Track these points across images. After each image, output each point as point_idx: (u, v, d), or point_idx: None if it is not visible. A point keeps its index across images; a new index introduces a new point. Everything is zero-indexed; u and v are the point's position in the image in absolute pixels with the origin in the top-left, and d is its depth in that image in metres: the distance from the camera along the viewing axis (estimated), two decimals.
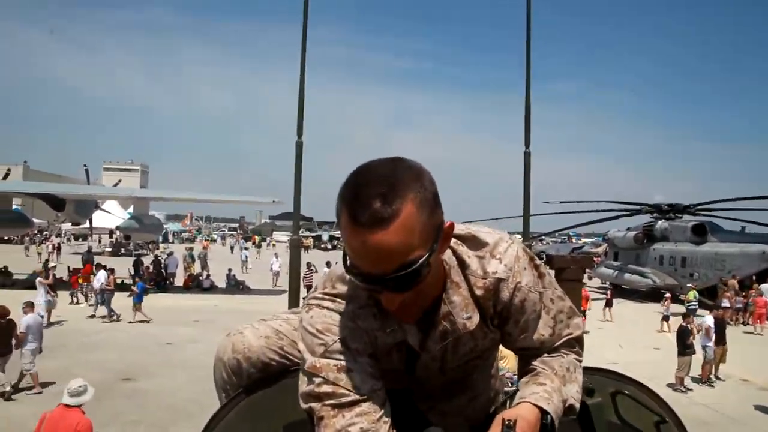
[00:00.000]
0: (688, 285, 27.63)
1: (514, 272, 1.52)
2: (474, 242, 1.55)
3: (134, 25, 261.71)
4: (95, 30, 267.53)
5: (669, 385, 12.88)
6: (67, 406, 6.46)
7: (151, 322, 17.94)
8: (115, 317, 18.79)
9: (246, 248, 45.68)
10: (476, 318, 1.54)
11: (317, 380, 1.41)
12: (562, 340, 1.61)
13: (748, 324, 22.53)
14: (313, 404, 1.41)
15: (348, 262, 1.34)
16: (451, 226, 1.41)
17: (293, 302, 5.50)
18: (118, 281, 21.84)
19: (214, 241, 79.66)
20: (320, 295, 1.53)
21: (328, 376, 1.40)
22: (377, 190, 1.23)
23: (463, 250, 1.54)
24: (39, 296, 16.86)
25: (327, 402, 1.39)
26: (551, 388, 1.50)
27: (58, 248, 42.61)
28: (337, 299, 1.51)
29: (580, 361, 1.66)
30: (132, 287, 19.67)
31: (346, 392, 1.39)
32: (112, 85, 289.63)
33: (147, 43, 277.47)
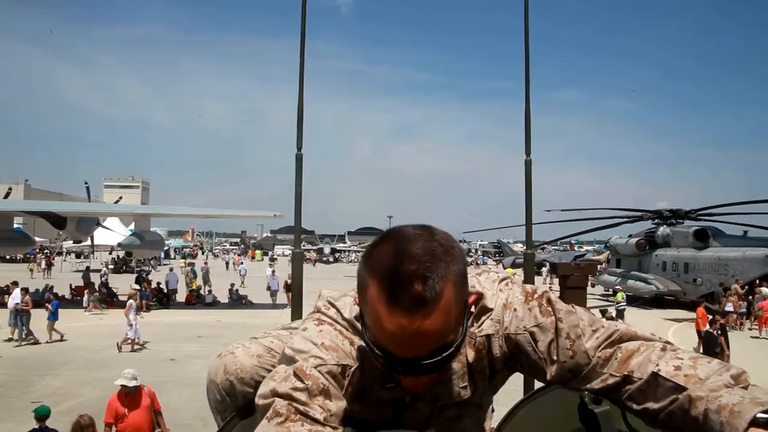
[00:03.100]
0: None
1: (503, 322, 1.43)
2: (479, 305, 1.45)
3: (134, 41, 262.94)
4: (95, 46, 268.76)
5: None
6: (126, 387, 8.00)
7: (154, 339, 17.83)
8: (32, 340, 17.35)
9: (241, 263, 45.67)
10: (470, 390, 1.48)
11: (298, 384, 1.28)
12: (595, 355, 1.37)
13: (753, 328, 22.43)
14: (278, 400, 1.27)
15: (370, 340, 1.25)
16: (475, 299, 1.37)
17: (296, 315, 5.44)
18: (123, 298, 21.75)
19: (216, 256, 79.58)
20: (335, 316, 1.45)
21: (311, 388, 1.28)
22: (417, 268, 1.15)
23: (472, 311, 1.43)
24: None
25: (295, 405, 1.26)
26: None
27: (49, 266, 42.60)
28: (351, 330, 1.43)
29: (663, 344, 1.37)
30: (47, 305, 18.19)
31: (319, 411, 1.26)
32: (112, 102, 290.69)
33: (147, 59, 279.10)
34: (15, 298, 18.09)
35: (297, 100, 5.81)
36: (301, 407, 1.26)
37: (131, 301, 17.55)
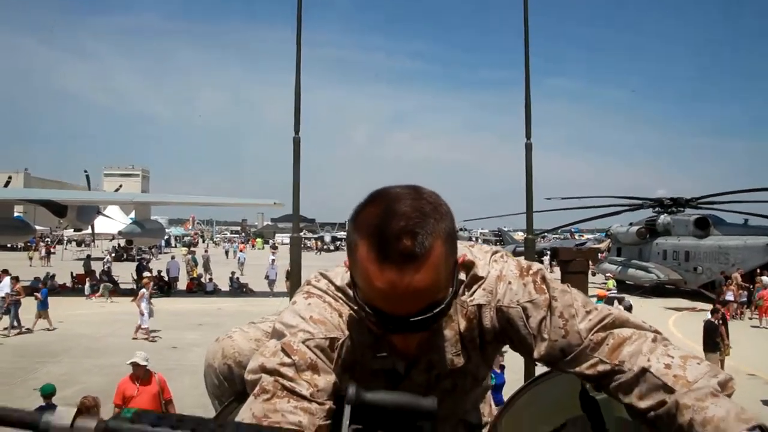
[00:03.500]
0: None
1: (495, 293, 1.43)
2: (470, 274, 1.46)
3: (131, 31, 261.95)
4: (93, 36, 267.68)
5: None
6: (138, 365, 8.29)
7: (156, 327, 17.86)
8: (23, 329, 17.13)
9: (228, 250, 45.33)
10: (464, 356, 1.48)
11: (285, 359, 1.27)
12: (588, 337, 1.35)
13: (753, 317, 22.45)
14: (264, 376, 1.27)
15: (360, 299, 1.26)
16: (464, 259, 1.36)
17: None
18: (126, 287, 21.72)
19: (217, 244, 79.61)
20: (325, 288, 1.45)
21: (299, 363, 1.27)
22: (406, 224, 1.15)
23: (462, 279, 1.44)
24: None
25: (281, 381, 1.25)
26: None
27: (49, 254, 42.64)
28: (341, 299, 1.43)
29: (654, 333, 1.36)
30: (36, 294, 17.83)
31: (306, 386, 1.25)
32: (110, 91, 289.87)
33: (144, 48, 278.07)
34: (4, 287, 17.83)
35: (294, 85, 5.79)
36: (287, 383, 1.25)
37: (143, 290, 17.52)
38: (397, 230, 1.14)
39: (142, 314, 16.75)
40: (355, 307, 1.36)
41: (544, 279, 1.43)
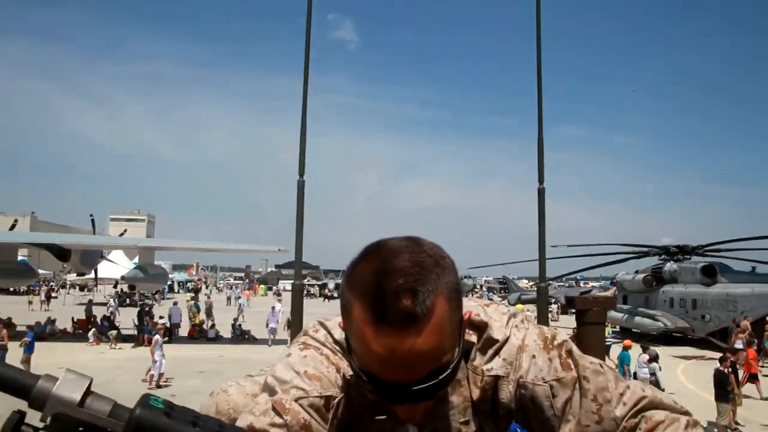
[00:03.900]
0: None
1: (515, 366, 1.30)
2: (484, 335, 1.34)
3: (141, 76, 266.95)
4: (102, 81, 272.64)
5: None
6: None
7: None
8: None
9: (239, 297, 44.97)
10: (474, 426, 1.34)
11: (276, 420, 1.16)
12: (623, 424, 1.25)
13: (765, 366, 22.04)
14: None
15: (356, 366, 1.13)
16: (469, 317, 1.25)
17: None
18: (127, 332, 21.41)
19: (221, 290, 79.29)
20: (323, 339, 1.34)
21: (291, 424, 1.15)
22: (405, 281, 1.03)
23: (473, 340, 1.33)
24: None
25: None
26: None
27: (49, 298, 42.40)
28: (339, 354, 1.31)
29: (687, 418, 1.26)
30: (25, 338, 17.06)
31: None
32: (120, 136, 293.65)
33: (154, 93, 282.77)
34: None
35: (300, 127, 5.80)
36: None
37: (157, 336, 17.16)
38: (395, 288, 1.03)
39: (155, 361, 16.34)
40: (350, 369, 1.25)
41: (570, 353, 1.31)
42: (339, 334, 1.31)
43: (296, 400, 1.20)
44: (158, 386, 15.96)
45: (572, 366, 1.29)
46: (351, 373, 1.25)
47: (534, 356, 1.30)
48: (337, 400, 1.25)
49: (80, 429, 0.68)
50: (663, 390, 11.26)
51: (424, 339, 1.03)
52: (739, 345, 21.56)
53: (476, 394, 1.33)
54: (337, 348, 1.32)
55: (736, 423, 13.24)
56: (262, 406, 1.20)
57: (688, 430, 1.23)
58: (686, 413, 1.28)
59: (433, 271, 1.07)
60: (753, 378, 16.79)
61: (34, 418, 0.69)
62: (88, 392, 0.69)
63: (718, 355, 15.73)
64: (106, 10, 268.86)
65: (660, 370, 14.72)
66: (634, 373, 15.58)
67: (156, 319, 28.21)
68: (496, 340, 1.32)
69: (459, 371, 1.27)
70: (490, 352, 1.33)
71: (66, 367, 0.68)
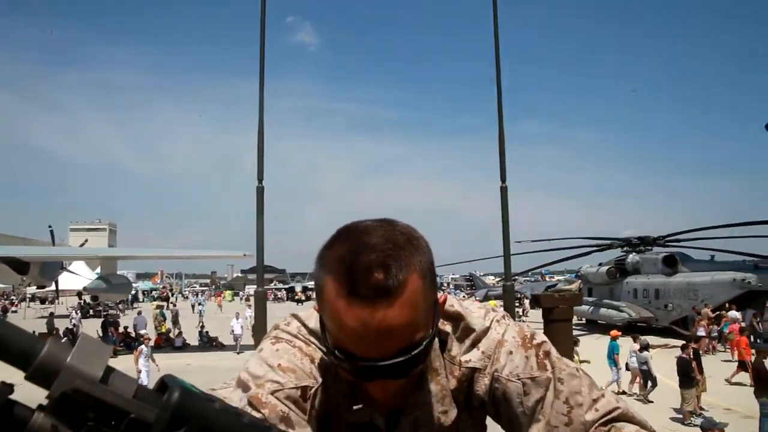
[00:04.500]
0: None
1: (493, 359, 1.30)
2: (460, 325, 1.34)
3: (98, 83, 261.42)
4: (60, 88, 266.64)
5: (675, 420, 13.01)
6: None
7: None
8: None
9: (200, 303, 44.26)
10: (453, 414, 1.33)
11: (254, 415, 1.12)
12: (595, 429, 1.23)
13: (725, 350, 22.62)
14: None
15: (330, 342, 1.13)
16: (445, 300, 1.25)
17: None
18: None
19: (186, 298, 78.20)
20: (295, 332, 1.32)
21: (269, 417, 1.14)
22: (377, 257, 1.04)
23: (448, 330, 1.33)
24: None
25: None
26: None
27: (5, 312, 41.42)
28: (313, 343, 1.30)
29: None
30: None
31: None
32: (78, 145, 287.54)
33: (112, 101, 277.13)
34: None
35: (257, 133, 5.73)
36: None
37: (142, 346, 16.70)
38: (368, 263, 1.04)
39: (139, 371, 15.88)
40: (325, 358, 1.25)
41: (548, 354, 1.30)
42: (313, 323, 1.31)
43: (272, 393, 1.18)
44: None
45: (548, 367, 1.28)
46: (326, 362, 1.25)
47: (511, 352, 1.30)
48: (313, 390, 1.24)
49: (91, 414, 0.53)
50: (655, 378, 11.36)
51: (396, 312, 1.04)
52: (701, 332, 22.11)
53: (453, 384, 1.33)
54: (311, 338, 1.31)
55: (701, 408, 13.54)
56: (237, 403, 1.18)
57: None
58: None
59: (406, 249, 1.08)
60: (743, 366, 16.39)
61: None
62: (109, 367, 0.54)
63: (681, 343, 16.11)
64: (62, 17, 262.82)
65: (651, 358, 14.94)
66: (626, 364, 15.85)
67: (121, 329, 27.79)
68: (473, 329, 1.33)
69: (436, 360, 1.30)
70: (468, 342, 1.33)
71: (82, 332, 0.55)
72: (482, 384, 1.31)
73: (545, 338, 1.35)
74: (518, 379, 1.27)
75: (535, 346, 1.31)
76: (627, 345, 16.54)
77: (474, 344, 1.33)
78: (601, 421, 1.23)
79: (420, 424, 1.33)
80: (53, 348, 0.54)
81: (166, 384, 0.58)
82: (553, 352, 1.33)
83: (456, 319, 1.34)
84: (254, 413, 1.13)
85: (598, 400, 1.25)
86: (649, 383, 14.97)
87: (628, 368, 15.79)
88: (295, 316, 1.38)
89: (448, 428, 1.35)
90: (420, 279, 1.08)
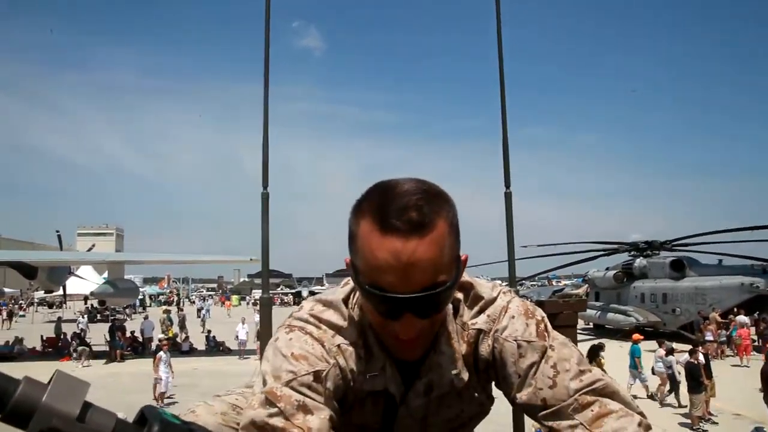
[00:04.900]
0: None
1: (497, 322, 1.38)
2: (471, 293, 1.42)
3: (107, 87, 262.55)
4: (68, 92, 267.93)
5: (683, 425, 13.01)
6: None
7: (130, 390, 17.30)
8: None
9: (205, 308, 44.23)
10: (465, 376, 1.40)
11: (271, 410, 1.20)
12: (574, 396, 1.28)
13: (730, 355, 22.50)
14: None
15: (362, 278, 1.20)
16: (466, 259, 1.29)
17: None
18: (99, 349, 20.96)
19: (193, 302, 78.38)
20: (306, 317, 1.38)
21: (286, 409, 1.19)
22: (410, 200, 1.13)
23: (459, 297, 1.41)
24: None
25: None
26: None
27: (10, 316, 41.52)
28: (324, 326, 1.36)
29: (640, 418, 1.27)
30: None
31: None
32: (86, 150, 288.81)
33: (121, 106, 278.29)
34: None
35: (262, 138, 5.73)
36: None
37: (161, 353, 16.50)
38: (402, 204, 1.13)
39: (159, 379, 15.81)
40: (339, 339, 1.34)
41: (546, 327, 1.39)
42: (334, 296, 1.41)
43: (286, 385, 1.23)
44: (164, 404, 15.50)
45: (545, 337, 1.35)
46: (337, 343, 1.34)
47: (513, 317, 1.38)
48: (326, 371, 1.28)
49: None
50: (679, 383, 11.28)
51: (426, 247, 1.12)
52: (709, 337, 22.00)
53: (464, 348, 1.40)
54: (323, 317, 1.37)
55: (710, 413, 13.47)
56: (258, 396, 1.24)
57: (640, 428, 1.24)
58: (641, 414, 1.30)
59: (437, 198, 1.18)
60: None
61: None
62: (87, 403, 0.55)
63: (687, 347, 16.05)
64: (64, 20, 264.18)
65: (677, 363, 14.87)
66: (652, 368, 15.81)
67: (129, 333, 27.86)
68: (482, 297, 1.41)
69: (450, 324, 1.38)
70: (476, 308, 1.41)
71: (57, 369, 0.56)
72: (486, 345, 1.39)
73: (544, 314, 1.43)
74: (515, 340, 1.35)
75: (536, 318, 1.39)
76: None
77: (482, 310, 1.41)
78: (584, 390, 1.28)
79: (434, 386, 1.40)
80: (27, 388, 0.53)
81: (145, 416, 0.59)
82: (550, 326, 1.41)
83: (467, 288, 1.42)
84: (272, 409, 1.20)
85: (585, 372, 1.31)
86: (667, 386, 14.95)
87: (653, 372, 15.78)
88: (315, 298, 1.45)
89: (459, 391, 1.42)
90: (448, 226, 1.17)
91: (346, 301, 1.40)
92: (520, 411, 1.47)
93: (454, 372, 1.39)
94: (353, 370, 1.34)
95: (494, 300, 1.42)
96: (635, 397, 15.21)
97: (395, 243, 1.11)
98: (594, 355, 14.08)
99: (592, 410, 1.26)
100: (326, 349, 1.32)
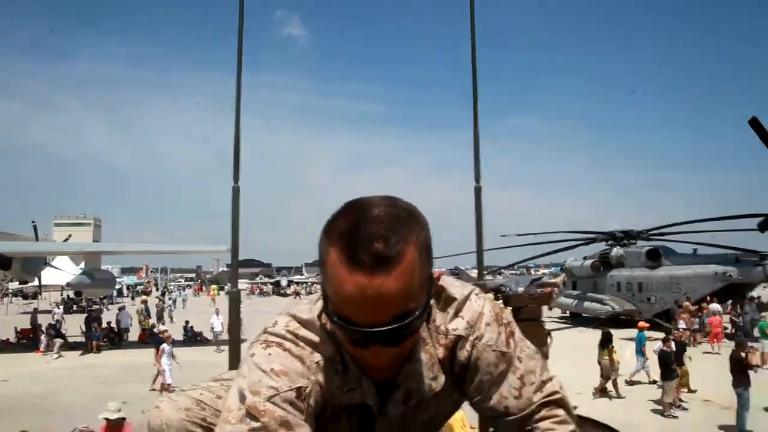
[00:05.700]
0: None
1: (475, 329, 1.41)
2: (442, 296, 1.44)
3: (82, 78, 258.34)
4: (43, 82, 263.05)
5: (655, 412, 13.21)
6: (109, 419, 7.84)
7: (105, 381, 17.15)
8: None
9: (172, 299, 43.78)
10: (442, 379, 1.43)
11: (254, 424, 1.20)
12: (533, 406, 1.42)
13: (701, 342, 22.91)
14: None
15: (331, 309, 1.20)
16: (439, 276, 1.33)
17: (234, 364, 4.66)
18: (74, 340, 20.73)
19: (171, 292, 77.69)
20: (283, 332, 1.36)
21: (269, 425, 1.20)
22: (378, 229, 1.12)
23: (432, 303, 1.40)
24: None
25: None
26: None
27: None
28: (302, 343, 1.35)
29: (574, 427, 1.46)
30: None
31: None
32: (63, 139, 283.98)
33: (98, 95, 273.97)
34: None
35: (234, 132, 5.65)
36: None
37: (164, 345, 16.40)
38: (369, 234, 1.11)
39: (162, 370, 15.74)
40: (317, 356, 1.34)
41: (512, 334, 1.46)
42: (307, 315, 1.39)
43: (269, 400, 1.23)
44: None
45: (512, 345, 1.43)
46: (315, 360, 1.33)
47: (489, 324, 1.42)
48: (308, 389, 1.29)
49: None
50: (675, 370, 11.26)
51: (393, 281, 1.11)
52: (681, 325, 22.37)
53: (440, 352, 1.42)
54: (300, 334, 1.36)
55: (680, 400, 13.71)
56: (236, 413, 1.23)
57: None
58: (577, 423, 1.48)
59: (406, 223, 1.16)
60: None
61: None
62: None
63: (660, 335, 16.33)
64: (48, 12, 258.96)
65: (653, 351, 15.22)
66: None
67: (105, 324, 27.59)
68: (454, 299, 1.43)
69: (423, 330, 1.39)
70: (451, 311, 1.43)
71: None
72: (465, 351, 1.41)
73: (512, 318, 1.50)
74: (492, 351, 1.41)
75: (504, 325, 1.45)
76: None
77: (457, 313, 1.43)
78: (543, 401, 1.43)
79: (412, 393, 1.43)
80: None
81: None
82: (517, 332, 1.48)
83: (437, 290, 1.42)
84: (254, 423, 1.20)
85: (546, 383, 1.45)
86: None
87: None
88: (290, 315, 1.42)
89: (436, 394, 1.45)
90: (417, 252, 1.15)
91: (320, 316, 1.37)
92: (478, 412, 1.54)
93: (431, 377, 1.42)
94: (331, 386, 1.35)
95: (466, 300, 1.44)
96: (638, 382, 15.74)
97: (361, 279, 1.10)
98: (605, 344, 15.13)
99: (543, 417, 1.42)
100: (306, 366, 1.32)
